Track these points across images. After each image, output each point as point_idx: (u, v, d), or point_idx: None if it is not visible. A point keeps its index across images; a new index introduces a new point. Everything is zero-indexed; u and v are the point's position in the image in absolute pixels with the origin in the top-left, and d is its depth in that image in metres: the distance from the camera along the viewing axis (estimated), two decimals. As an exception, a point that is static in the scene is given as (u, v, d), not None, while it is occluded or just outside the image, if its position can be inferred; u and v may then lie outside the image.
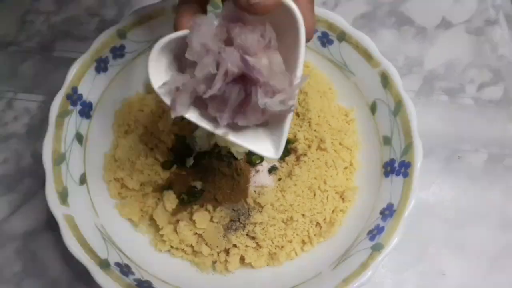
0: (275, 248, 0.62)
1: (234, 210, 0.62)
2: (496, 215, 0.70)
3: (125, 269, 0.56)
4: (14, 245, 0.66)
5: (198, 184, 0.63)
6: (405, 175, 0.60)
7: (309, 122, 0.67)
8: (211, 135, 0.62)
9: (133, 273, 0.57)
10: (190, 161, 0.63)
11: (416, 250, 0.67)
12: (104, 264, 0.55)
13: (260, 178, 0.63)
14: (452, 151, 0.74)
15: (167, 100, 0.43)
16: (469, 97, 0.78)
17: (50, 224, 0.66)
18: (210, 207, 0.61)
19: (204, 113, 0.44)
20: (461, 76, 0.79)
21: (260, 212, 0.61)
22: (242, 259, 0.61)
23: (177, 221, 0.61)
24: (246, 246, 0.61)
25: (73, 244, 0.55)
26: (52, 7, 0.83)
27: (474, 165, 0.73)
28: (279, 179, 0.64)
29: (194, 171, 0.64)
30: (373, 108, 0.67)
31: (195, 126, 0.58)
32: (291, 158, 0.66)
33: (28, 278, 0.64)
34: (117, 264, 0.56)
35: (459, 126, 0.76)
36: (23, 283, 0.64)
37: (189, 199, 0.62)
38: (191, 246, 0.62)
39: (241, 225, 0.61)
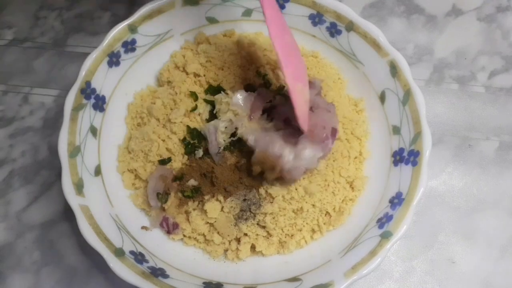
0: (285, 237, 0.63)
1: (244, 200, 0.63)
2: (506, 203, 0.70)
3: (139, 257, 0.58)
4: (33, 234, 0.68)
5: (193, 182, 0.64)
6: (414, 163, 0.60)
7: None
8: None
9: (147, 261, 0.58)
10: (200, 153, 0.65)
11: (425, 238, 0.68)
12: (119, 252, 0.57)
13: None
14: (462, 140, 0.74)
15: None
16: (480, 85, 0.77)
17: (67, 214, 0.69)
18: (221, 197, 0.63)
19: None
20: (472, 64, 0.79)
21: (271, 203, 0.62)
22: (253, 247, 0.63)
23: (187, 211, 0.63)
24: (257, 235, 0.63)
25: (89, 233, 0.57)
26: (65, 2, 0.84)
27: (485, 153, 0.73)
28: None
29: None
30: (382, 98, 0.67)
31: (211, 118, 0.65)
32: None
33: (46, 266, 0.67)
34: (132, 252, 0.58)
35: (469, 114, 0.75)
36: (42, 271, 0.66)
37: (188, 195, 0.63)
38: (203, 235, 0.63)
39: (252, 214, 0.62)
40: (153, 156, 0.65)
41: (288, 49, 0.59)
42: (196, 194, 0.63)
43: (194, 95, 0.67)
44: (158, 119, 0.67)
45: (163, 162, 0.64)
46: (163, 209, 0.63)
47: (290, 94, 0.57)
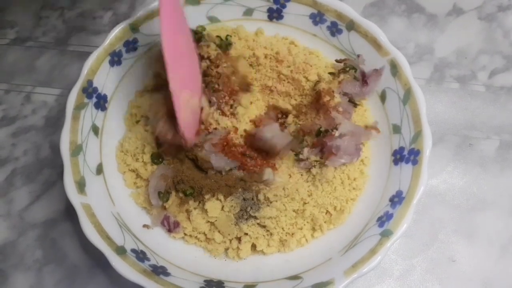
0: (286, 235, 0.63)
1: (244, 199, 0.63)
2: (506, 202, 0.70)
3: (141, 255, 0.58)
4: (35, 233, 0.69)
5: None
6: (414, 162, 0.61)
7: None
8: None
9: (148, 259, 0.59)
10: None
11: (426, 237, 0.68)
12: (120, 251, 0.57)
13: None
14: (463, 139, 0.74)
15: None
16: (481, 84, 0.77)
17: (69, 213, 0.69)
18: (221, 196, 0.63)
19: None
20: (473, 63, 0.79)
21: (269, 206, 0.62)
22: (253, 246, 0.63)
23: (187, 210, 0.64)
24: (257, 234, 0.63)
25: (90, 232, 0.57)
26: (66, 2, 0.85)
27: (486, 152, 0.73)
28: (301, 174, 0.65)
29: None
30: (382, 97, 0.67)
31: None
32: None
33: (48, 264, 0.67)
34: (133, 251, 0.58)
35: (470, 113, 0.76)
36: (44, 269, 0.67)
37: (190, 193, 0.64)
38: (204, 233, 0.63)
39: (252, 216, 0.63)
40: (146, 156, 0.65)
41: (180, 52, 0.56)
42: (195, 193, 0.63)
43: None
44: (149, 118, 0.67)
45: (157, 162, 0.65)
46: (164, 208, 0.64)
47: (173, 100, 0.55)
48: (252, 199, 0.62)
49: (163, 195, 0.63)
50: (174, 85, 0.54)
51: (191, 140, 0.60)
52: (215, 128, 0.63)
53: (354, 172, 0.65)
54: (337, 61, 0.69)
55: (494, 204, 0.70)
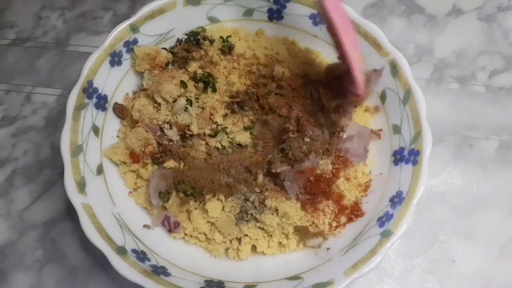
0: (286, 237, 0.63)
1: (246, 200, 0.63)
2: (506, 203, 0.70)
3: (141, 255, 0.58)
4: (35, 233, 0.69)
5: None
6: (414, 163, 0.61)
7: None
8: None
9: (149, 259, 0.59)
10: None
11: (426, 237, 0.68)
12: (121, 251, 0.57)
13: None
14: (463, 139, 0.74)
15: None
16: (481, 84, 0.78)
17: (69, 213, 0.69)
18: (222, 196, 0.63)
19: None
20: (472, 63, 0.79)
21: (272, 214, 0.62)
22: (253, 247, 0.63)
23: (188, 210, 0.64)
24: (258, 235, 0.63)
25: (91, 232, 0.57)
26: (66, 2, 0.85)
27: (485, 153, 0.73)
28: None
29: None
30: (382, 97, 0.67)
31: None
32: None
33: (48, 264, 0.67)
34: (134, 251, 0.58)
35: (470, 113, 0.76)
36: (44, 269, 0.67)
37: (190, 193, 0.64)
38: (204, 233, 0.64)
39: (253, 217, 0.63)
40: (147, 156, 0.65)
41: (344, 19, 0.60)
42: (196, 193, 0.63)
43: (184, 84, 0.67)
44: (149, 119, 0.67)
45: (157, 162, 0.65)
46: (165, 208, 0.64)
47: (349, 62, 0.57)
48: (253, 202, 0.62)
49: (164, 195, 0.63)
50: (349, 47, 0.57)
51: (366, 96, 0.62)
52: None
53: (355, 172, 0.65)
54: (339, 58, 0.69)
55: (494, 204, 0.70)
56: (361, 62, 0.59)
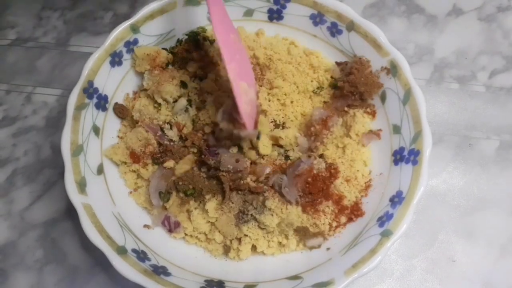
0: (286, 237, 0.63)
1: (245, 201, 0.63)
2: (506, 202, 0.70)
3: (141, 255, 0.59)
4: (36, 233, 0.69)
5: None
6: (415, 162, 0.61)
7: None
8: None
9: (149, 259, 0.59)
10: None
11: (426, 237, 0.68)
12: (121, 251, 0.57)
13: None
14: (463, 139, 0.74)
15: None
16: (481, 84, 0.78)
17: (70, 213, 0.69)
18: (221, 197, 0.63)
19: None
20: (473, 63, 0.79)
21: (272, 215, 0.62)
22: (253, 247, 0.63)
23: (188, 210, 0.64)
24: (258, 235, 0.63)
25: (91, 232, 0.57)
26: (67, 3, 0.85)
27: (485, 153, 0.73)
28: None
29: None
30: (382, 97, 0.67)
31: None
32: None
33: (49, 264, 0.67)
34: (134, 251, 0.58)
35: (470, 113, 0.76)
36: (45, 269, 0.67)
37: (190, 193, 0.64)
38: (205, 233, 0.64)
39: (253, 217, 0.63)
40: (147, 156, 0.65)
41: (233, 47, 0.58)
42: (196, 193, 0.63)
43: (184, 85, 0.67)
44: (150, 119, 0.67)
45: (157, 162, 0.65)
46: (165, 208, 0.64)
47: (233, 91, 0.55)
48: (252, 203, 0.62)
49: (164, 195, 0.63)
50: (233, 75, 0.55)
51: (251, 130, 0.59)
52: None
53: (355, 173, 0.65)
54: (337, 63, 0.69)
55: (494, 204, 0.70)
56: (246, 93, 0.58)
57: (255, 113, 0.60)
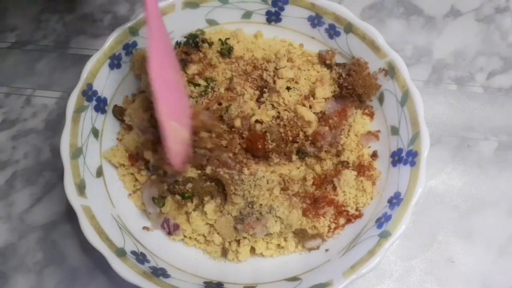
0: (285, 239, 0.64)
1: (245, 204, 0.63)
2: (505, 203, 0.70)
3: (140, 257, 0.59)
4: (35, 235, 0.69)
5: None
6: (413, 164, 0.61)
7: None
8: None
9: (148, 261, 0.59)
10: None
11: (424, 238, 0.68)
12: (120, 252, 0.57)
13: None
14: (461, 140, 0.74)
15: None
16: (479, 85, 0.78)
17: (69, 215, 0.69)
18: (219, 200, 0.63)
19: None
20: (471, 64, 0.79)
21: (276, 222, 0.62)
22: (252, 248, 0.63)
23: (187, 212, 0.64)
24: (256, 237, 0.63)
25: (91, 234, 0.57)
26: (66, 5, 0.85)
27: (484, 154, 0.73)
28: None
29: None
30: (380, 99, 0.67)
31: None
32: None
33: (49, 266, 0.67)
34: (133, 253, 0.59)
35: (468, 114, 0.76)
36: (44, 271, 0.67)
37: (188, 196, 0.64)
38: (204, 235, 0.64)
39: (257, 219, 0.62)
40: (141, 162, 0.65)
41: (169, 85, 0.57)
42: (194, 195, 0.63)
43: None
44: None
45: (151, 170, 0.65)
46: (162, 213, 0.64)
47: (161, 129, 0.54)
48: (252, 205, 0.62)
49: (158, 200, 0.63)
50: (163, 116, 0.54)
51: (179, 168, 0.59)
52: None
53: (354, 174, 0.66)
54: (320, 54, 0.70)
55: (493, 205, 0.70)
56: (176, 133, 0.56)
57: (185, 153, 0.59)
